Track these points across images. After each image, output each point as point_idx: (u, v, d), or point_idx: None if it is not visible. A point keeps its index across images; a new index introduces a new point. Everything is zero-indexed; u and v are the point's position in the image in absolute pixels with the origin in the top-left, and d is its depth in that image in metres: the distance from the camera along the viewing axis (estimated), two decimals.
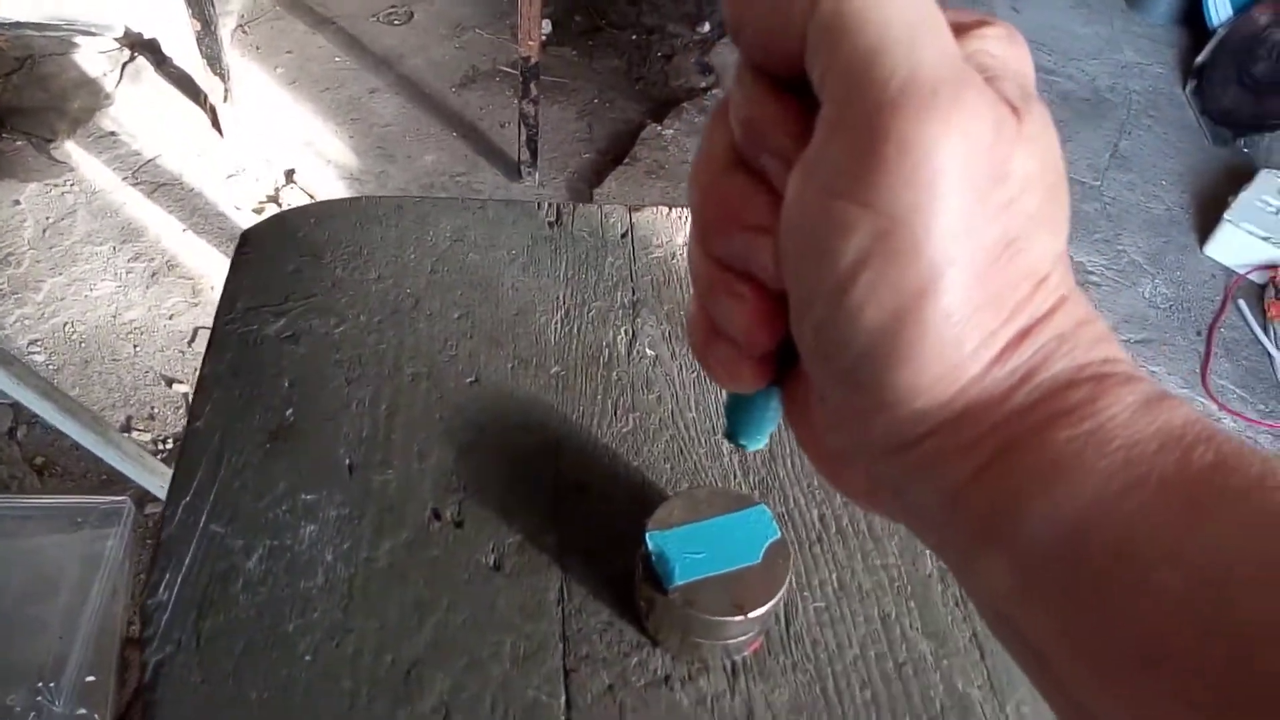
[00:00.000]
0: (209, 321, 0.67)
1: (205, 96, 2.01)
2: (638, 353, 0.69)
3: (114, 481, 1.37)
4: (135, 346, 1.66)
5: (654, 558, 0.50)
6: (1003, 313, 0.21)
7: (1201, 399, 1.86)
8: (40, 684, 0.98)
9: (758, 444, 0.29)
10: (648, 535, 0.51)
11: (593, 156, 2.14)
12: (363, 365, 0.66)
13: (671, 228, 0.78)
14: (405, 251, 0.74)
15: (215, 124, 2.03)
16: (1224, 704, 0.17)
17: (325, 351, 0.66)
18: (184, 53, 2.09)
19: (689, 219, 0.80)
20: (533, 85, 1.85)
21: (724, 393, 0.29)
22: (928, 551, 0.60)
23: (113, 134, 2.00)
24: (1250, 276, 2.07)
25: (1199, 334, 1.98)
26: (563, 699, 0.52)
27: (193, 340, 1.68)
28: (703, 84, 2.34)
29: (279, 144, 2.05)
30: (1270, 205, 2.08)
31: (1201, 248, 2.13)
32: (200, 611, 0.53)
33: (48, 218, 1.83)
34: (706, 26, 2.47)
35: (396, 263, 0.73)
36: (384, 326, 0.68)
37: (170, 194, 1.91)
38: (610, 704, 0.52)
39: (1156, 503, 0.19)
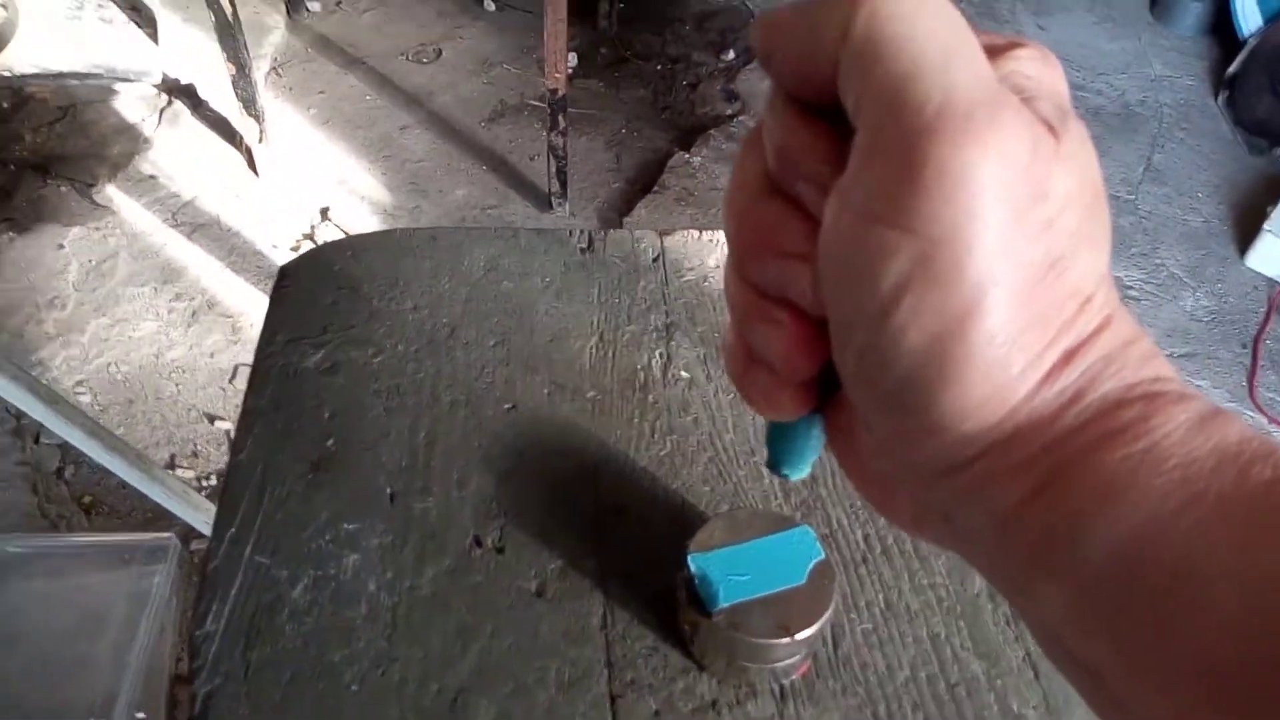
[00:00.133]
0: (249, 359, 0.68)
1: (241, 138, 2.06)
2: (673, 376, 0.69)
3: (159, 518, 1.39)
4: (177, 385, 1.69)
5: (697, 580, 0.49)
6: (1049, 333, 0.21)
7: (1250, 413, 1.82)
8: None
9: (801, 473, 0.29)
10: (690, 558, 0.50)
11: (622, 186, 2.15)
12: (401, 395, 0.66)
13: (703, 251, 0.78)
14: (440, 281, 0.74)
15: (251, 165, 2.07)
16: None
17: (364, 382, 0.67)
18: (220, 96, 2.13)
19: (722, 243, 0.81)
20: (560, 117, 1.87)
21: (764, 421, 0.28)
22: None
23: (152, 177, 2.04)
24: None
25: (1244, 346, 1.94)
26: None
27: (233, 377, 1.70)
28: (729, 111, 2.35)
29: (314, 183, 2.09)
30: None
31: (1242, 259, 2.09)
32: (248, 642, 0.54)
33: (91, 261, 1.87)
34: (731, 54, 2.49)
35: (432, 293, 0.73)
36: (421, 356, 0.69)
37: (209, 234, 1.95)
38: None
39: (1214, 519, 0.19)
